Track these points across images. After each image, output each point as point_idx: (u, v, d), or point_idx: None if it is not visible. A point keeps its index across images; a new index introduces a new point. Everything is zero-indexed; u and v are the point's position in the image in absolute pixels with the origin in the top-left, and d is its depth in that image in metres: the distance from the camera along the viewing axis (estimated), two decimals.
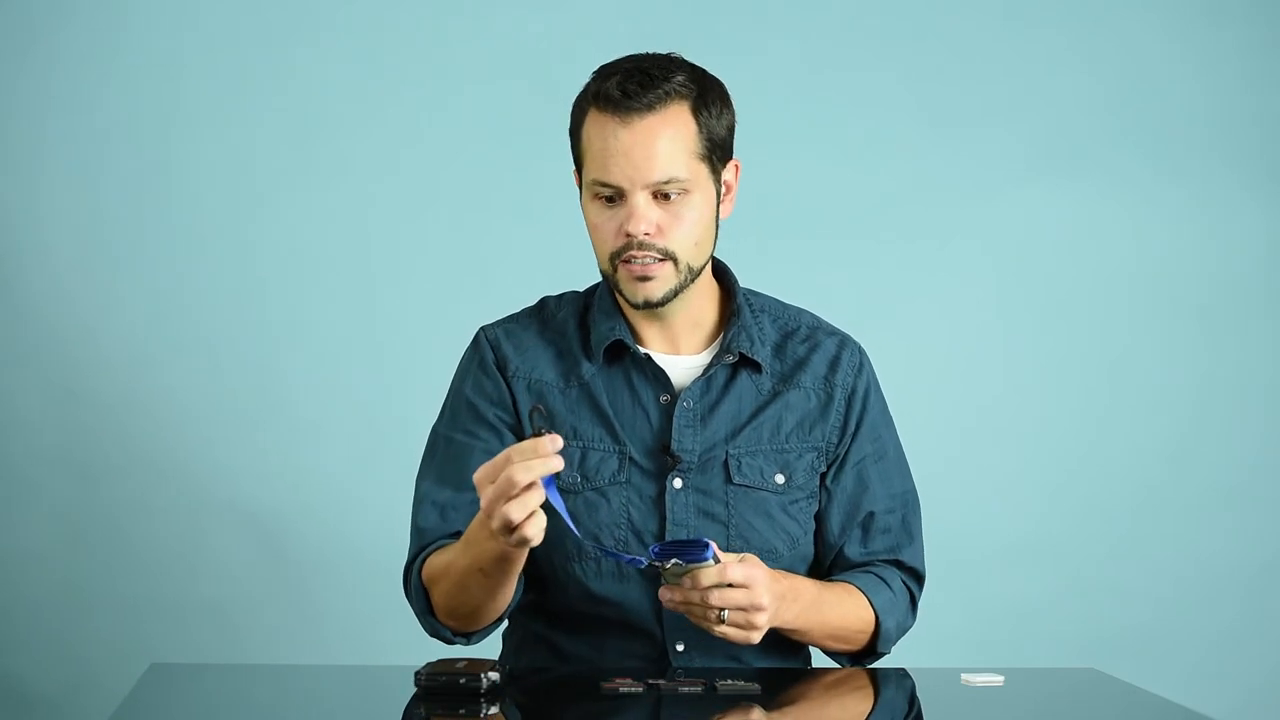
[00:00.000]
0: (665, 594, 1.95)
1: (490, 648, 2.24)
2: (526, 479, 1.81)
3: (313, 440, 3.31)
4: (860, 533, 2.18)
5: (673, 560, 1.92)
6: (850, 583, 2.14)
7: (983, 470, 3.42)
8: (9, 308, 3.27)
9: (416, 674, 1.85)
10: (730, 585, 1.93)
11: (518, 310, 2.23)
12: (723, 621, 1.94)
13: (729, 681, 1.94)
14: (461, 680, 1.84)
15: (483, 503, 1.85)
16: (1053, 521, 3.45)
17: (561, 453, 1.86)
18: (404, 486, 2.23)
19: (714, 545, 1.92)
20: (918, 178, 3.44)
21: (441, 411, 2.22)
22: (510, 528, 1.83)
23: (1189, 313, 3.48)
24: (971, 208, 3.45)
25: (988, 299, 3.46)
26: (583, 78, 2.14)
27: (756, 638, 1.97)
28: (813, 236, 3.39)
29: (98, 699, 3.18)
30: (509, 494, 1.82)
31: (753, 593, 1.93)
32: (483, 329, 2.21)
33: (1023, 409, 3.45)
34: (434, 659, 1.89)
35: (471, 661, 1.88)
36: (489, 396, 2.16)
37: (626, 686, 1.91)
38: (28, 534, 3.28)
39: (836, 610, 2.10)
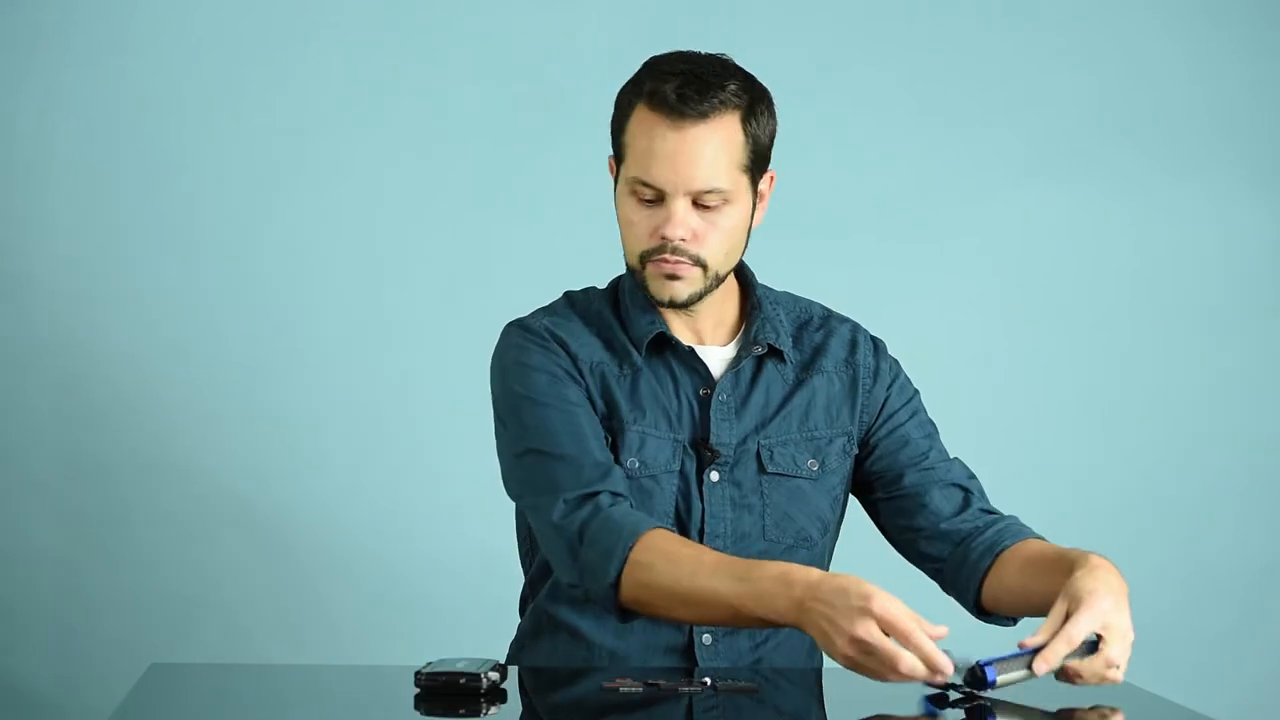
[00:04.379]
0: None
1: (499, 640, 2.24)
2: (906, 676, 1.80)
3: (313, 440, 3.31)
4: (948, 501, 2.21)
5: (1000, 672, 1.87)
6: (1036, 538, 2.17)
7: (984, 471, 3.39)
8: (13, 306, 3.27)
9: (417, 674, 1.85)
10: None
11: (543, 305, 2.22)
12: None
13: (729, 681, 1.94)
14: (461, 680, 1.84)
15: (869, 631, 1.80)
16: (1054, 522, 3.44)
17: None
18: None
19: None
20: (918, 178, 3.44)
21: (499, 404, 2.14)
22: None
23: (1191, 313, 3.48)
24: (971, 208, 3.45)
25: (988, 299, 3.46)
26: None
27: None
28: (812, 236, 3.39)
29: (98, 699, 3.18)
30: (887, 659, 1.80)
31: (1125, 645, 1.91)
32: (524, 321, 2.18)
33: (1024, 410, 3.45)
34: (434, 658, 1.89)
35: (471, 661, 1.88)
36: (563, 364, 2.12)
37: (626, 686, 1.91)
38: (28, 533, 3.28)
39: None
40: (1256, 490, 3.48)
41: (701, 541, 2.12)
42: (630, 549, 1.97)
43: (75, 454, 3.28)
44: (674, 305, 2.11)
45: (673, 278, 2.08)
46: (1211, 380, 3.48)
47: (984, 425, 3.43)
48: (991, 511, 2.24)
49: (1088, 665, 1.89)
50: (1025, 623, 3.40)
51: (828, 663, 2.17)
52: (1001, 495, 3.42)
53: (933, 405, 2.28)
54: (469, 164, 3.36)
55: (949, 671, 1.81)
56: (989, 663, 1.89)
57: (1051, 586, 1.96)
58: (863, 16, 3.43)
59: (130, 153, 3.30)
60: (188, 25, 3.31)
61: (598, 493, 2.03)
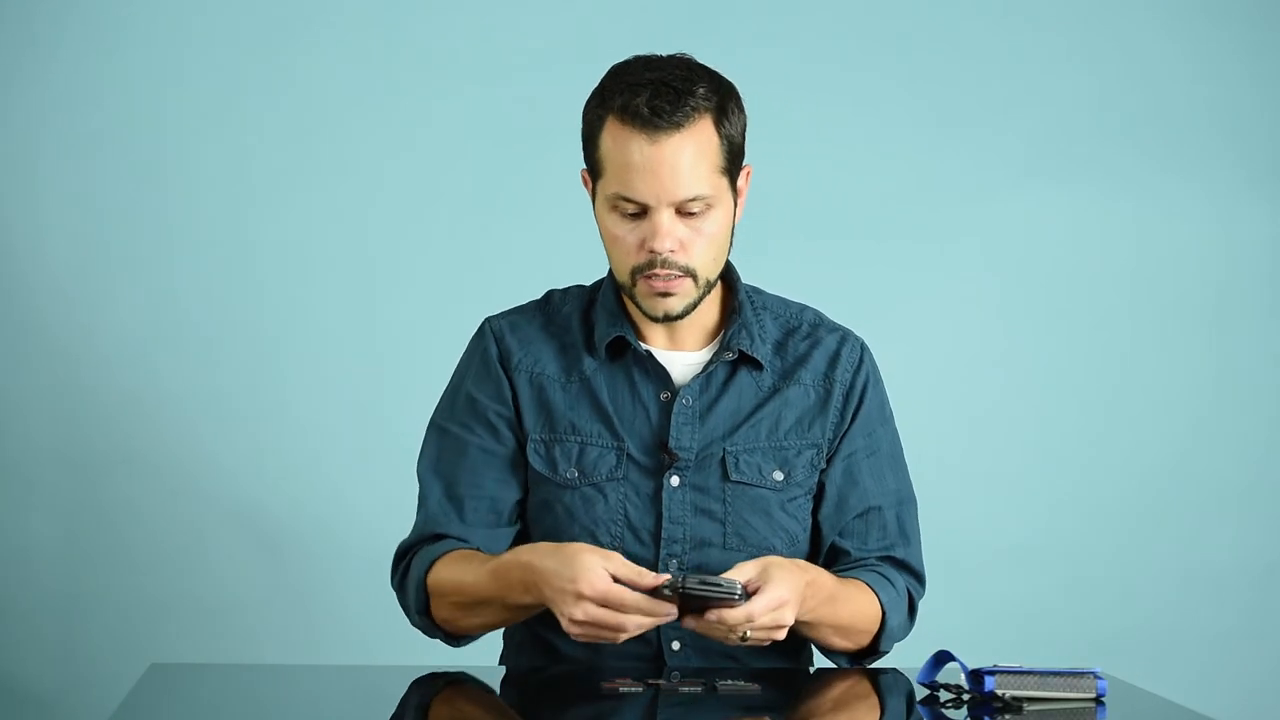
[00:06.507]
0: (688, 623, 1.93)
1: (495, 642, 2.24)
2: (636, 633, 1.90)
3: (311, 440, 3.31)
4: (857, 528, 2.17)
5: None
6: (859, 578, 2.12)
7: (985, 471, 3.42)
8: (7, 308, 3.27)
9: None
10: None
11: (523, 303, 2.23)
12: (744, 640, 1.92)
13: (729, 681, 1.94)
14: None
15: (585, 612, 1.89)
16: (1055, 522, 3.45)
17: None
18: (402, 487, 2.24)
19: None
20: (918, 178, 3.44)
21: (441, 398, 2.22)
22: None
23: (1192, 312, 3.47)
24: (971, 208, 3.45)
25: (989, 299, 3.45)
26: (581, 79, 2.13)
27: (780, 634, 1.96)
28: (812, 236, 3.39)
29: (97, 699, 3.18)
30: (612, 628, 1.90)
31: (780, 613, 1.92)
32: (488, 320, 2.21)
33: (1025, 410, 3.45)
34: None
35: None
36: (489, 393, 2.16)
37: (626, 686, 1.91)
38: (26, 534, 3.28)
39: (850, 606, 2.08)
40: (1256, 490, 3.48)
41: (657, 547, 2.11)
42: (425, 582, 2.09)
43: (72, 455, 3.28)
44: (669, 320, 2.10)
45: (665, 295, 2.07)
46: (1213, 380, 3.48)
47: (984, 425, 3.43)
48: (866, 560, 2.17)
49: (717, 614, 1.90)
50: (1030, 633, 3.42)
51: (827, 662, 2.18)
52: (1002, 495, 3.44)
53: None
54: (465, 165, 3.35)
55: (673, 613, 1.88)
56: (991, 671, 1.90)
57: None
58: (861, 16, 3.43)
59: (125, 154, 3.29)
60: (180, 26, 3.30)
61: (436, 536, 2.14)
